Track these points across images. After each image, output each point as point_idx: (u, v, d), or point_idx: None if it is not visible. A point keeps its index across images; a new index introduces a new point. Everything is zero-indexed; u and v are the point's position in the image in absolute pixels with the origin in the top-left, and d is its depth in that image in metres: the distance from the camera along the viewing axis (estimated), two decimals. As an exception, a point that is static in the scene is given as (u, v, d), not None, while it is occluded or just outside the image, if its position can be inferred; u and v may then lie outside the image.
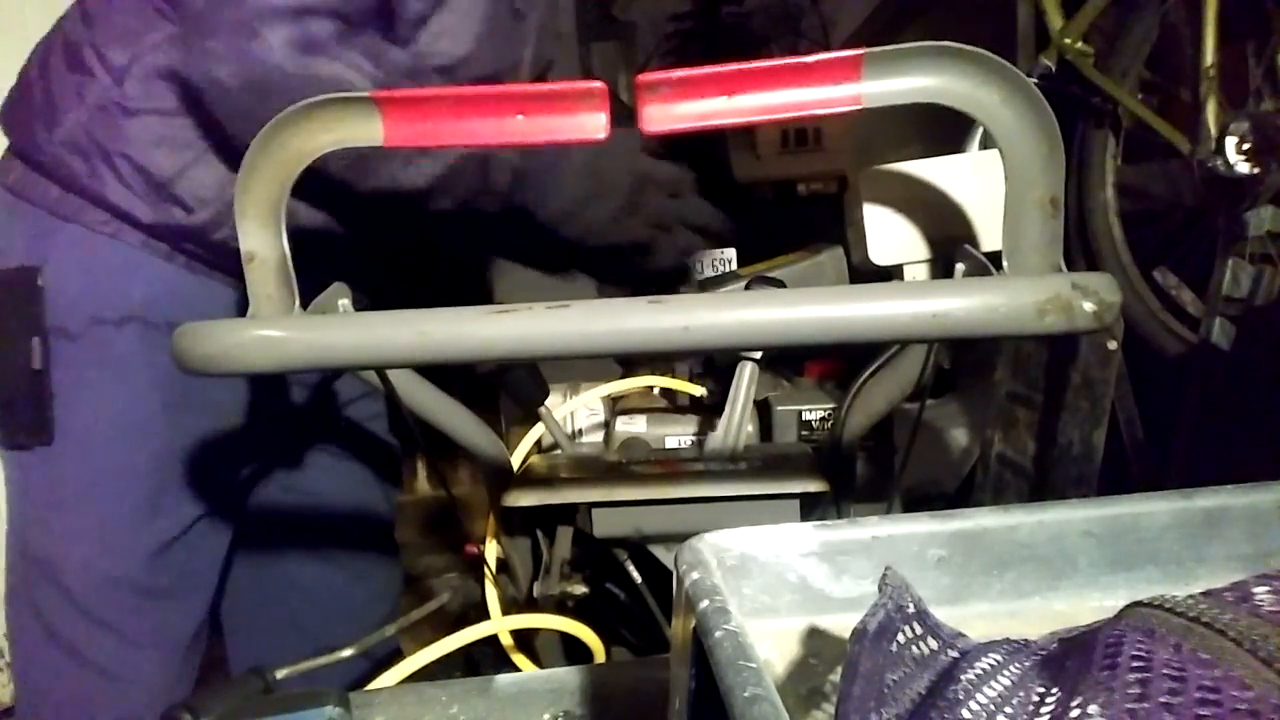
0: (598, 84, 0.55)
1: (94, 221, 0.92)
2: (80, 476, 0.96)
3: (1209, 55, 1.56)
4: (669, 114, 0.56)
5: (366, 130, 0.57)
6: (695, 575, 0.42)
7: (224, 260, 0.95)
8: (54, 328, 0.93)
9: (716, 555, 0.45)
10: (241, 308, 0.97)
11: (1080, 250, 1.94)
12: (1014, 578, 0.47)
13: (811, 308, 0.53)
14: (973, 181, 0.78)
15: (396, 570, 1.36)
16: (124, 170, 0.90)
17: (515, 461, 1.02)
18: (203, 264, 0.96)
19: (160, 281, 0.94)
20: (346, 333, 0.56)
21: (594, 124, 0.56)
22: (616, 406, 1.20)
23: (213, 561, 1.09)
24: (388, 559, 1.34)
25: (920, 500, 1.92)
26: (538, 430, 1.07)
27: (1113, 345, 1.65)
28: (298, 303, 0.60)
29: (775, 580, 0.46)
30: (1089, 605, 0.46)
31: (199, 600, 1.07)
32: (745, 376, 0.95)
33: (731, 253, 1.41)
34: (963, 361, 2.10)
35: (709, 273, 1.35)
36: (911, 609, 0.36)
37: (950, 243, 0.69)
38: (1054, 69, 1.91)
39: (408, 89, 0.57)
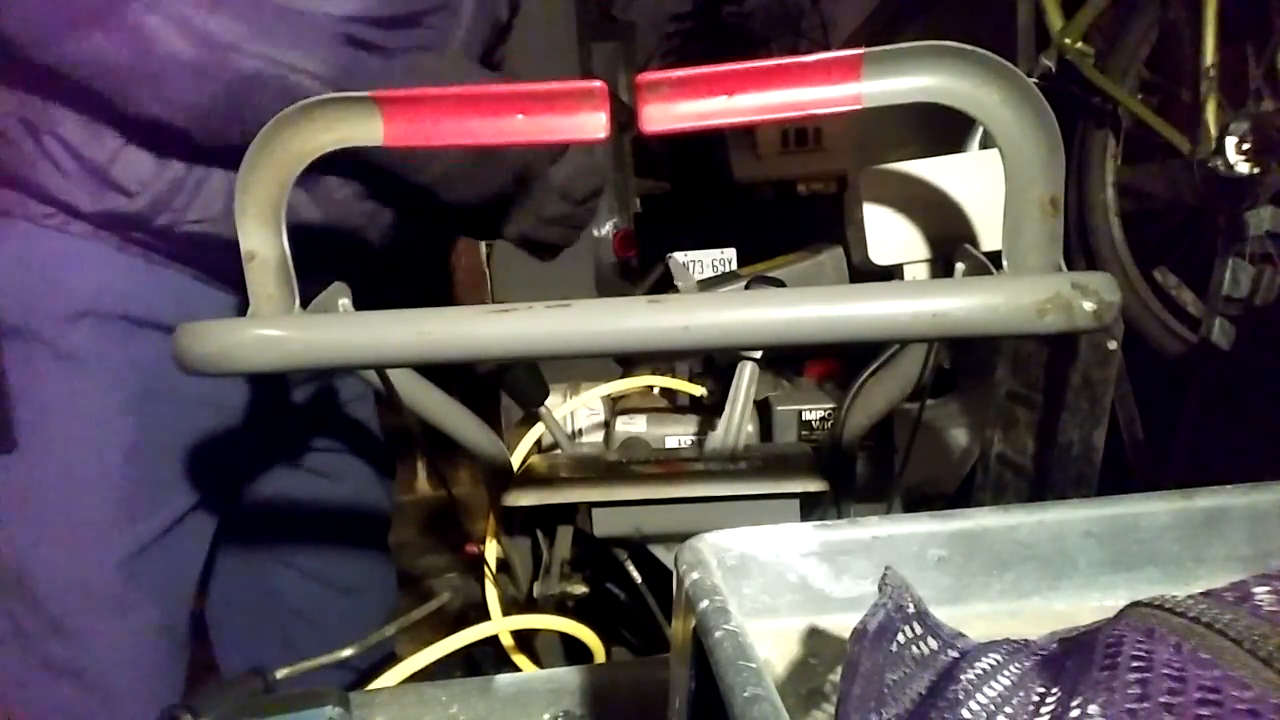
0: (598, 84, 0.55)
1: (38, 215, 0.89)
2: (47, 480, 0.93)
3: (1209, 55, 1.56)
4: (669, 114, 0.56)
5: (366, 130, 0.58)
6: (695, 575, 0.42)
7: (182, 250, 0.92)
8: (5, 327, 0.90)
9: (716, 555, 0.45)
10: (210, 302, 0.96)
11: (1080, 250, 1.95)
12: (1014, 578, 0.47)
13: (811, 308, 0.53)
14: (973, 181, 0.77)
15: (391, 582, 1.33)
16: (58, 154, 0.87)
17: (515, 461, 1.02)
18: (161, 255, 0.93)
19: (112, 274, 0.91)
20: (346, 332, 0.56)
21: (594, 124, 0.56)
22: (616, 406, 1.20)
23: (192, 568, 1.05)
24: (383, 572, 1.31)
25: (920, 500, 1.93)
26: (538, 430, 1.07)
27: (1113, 345, 1.66)
28: (297, 302, 0.60)
29: (775, 580, 0.46)
30: (1089, 605, 0.46)
31: (178, 609, 1.03)
32: (745, 376, 0.95)
33: (731, 253, 1.41)
34: (963, 361, 2.10)
35: (709, 273, 1.35)
36: (911, 609, 0.36)
37: (950, 242, 0.69)
38: (1054, 69, 1.91)
39: (409, 89, 0.57)
